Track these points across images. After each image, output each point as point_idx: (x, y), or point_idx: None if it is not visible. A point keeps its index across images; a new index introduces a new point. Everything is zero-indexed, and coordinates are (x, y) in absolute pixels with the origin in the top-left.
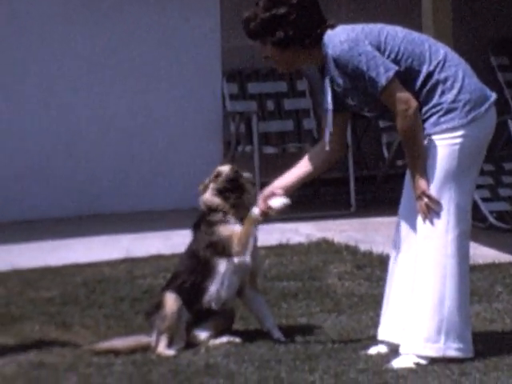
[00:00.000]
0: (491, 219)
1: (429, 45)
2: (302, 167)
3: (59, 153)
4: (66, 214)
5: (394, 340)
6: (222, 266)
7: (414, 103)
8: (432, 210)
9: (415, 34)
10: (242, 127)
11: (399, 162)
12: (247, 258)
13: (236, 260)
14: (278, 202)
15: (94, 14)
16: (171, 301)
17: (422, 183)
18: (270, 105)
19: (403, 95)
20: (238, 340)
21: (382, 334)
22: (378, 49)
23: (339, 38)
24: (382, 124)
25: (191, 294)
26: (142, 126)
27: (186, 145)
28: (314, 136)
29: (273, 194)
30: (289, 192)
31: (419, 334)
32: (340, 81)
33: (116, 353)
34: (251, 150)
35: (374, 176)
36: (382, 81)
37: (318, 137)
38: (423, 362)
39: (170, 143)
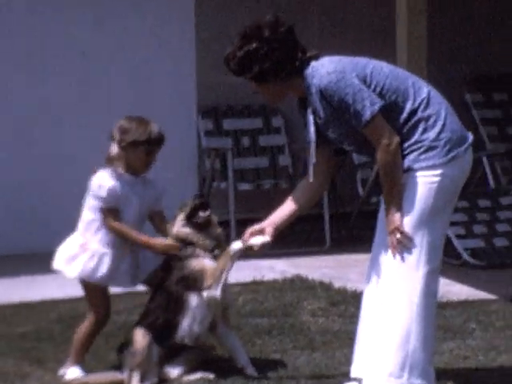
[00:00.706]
0: (465, 256)
1: (412, 82)
2: (291, 203)
3: (30, 187)
4: (41, 250)
5: (365, 376)
6: (194, 300)
7: (396, 138)
8: (404, 246)
9: (399, 70)
10: (218, 163)
11: (374, 199)
12: (218, 293)
13: (205, 294)
14: (258, 240)
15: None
16: (141, 337)
17: (395, 218)
18: (246, 141)
19: (386, 130)
20: (211, 376)
21: (354, 371)
22: (364, 82)
23: (326, 69)
24: (356, 161)
25: (164, 331)
26: None
27: (162, 180)
28: (289, 172)
29: (261, 231)
30: (279, 229)
31: (383, 369)
32: (322, 113)
33: None
34: (226, 186)
35: (348, 213)
36: (367, 115)
37: (294, 173)
38: None
39: None
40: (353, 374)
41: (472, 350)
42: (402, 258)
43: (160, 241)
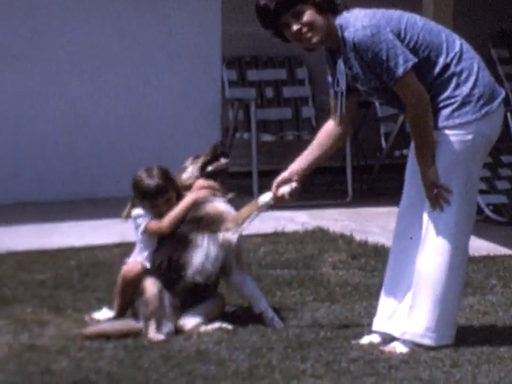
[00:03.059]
0: (487, 211)
1: (446, 36)
2: (314, 150)
3: (54, 136)
4: (61, 198)
5: (389, 330)
6: (205, 240)
7: (425, 98)
8: (442, 199)
9: (432, 24)
10: (241, 114)
11: (397, 153)
12: (235, 237)
13: (222, 236)
14: (286, 189)
15: (92, 2)
16: (150, 285)
17: (431, 174)
18: (269, 92)
19: (416, 89)
20: (229, 327)
21: (376, 325)
22: (398, 36)
23: (361, 22)
24: (380, 113)
25: (172, 272)
26: (140, 112)
27: (185, 130)
28: (312, 124)
29: (288, 180)
30: (303, 176)
31: (420, 324)
32: (354, 65)
33: (106, 337)
34: (249, 137)
35: (371, 166)
36: (399, 72)
37: (317, 125)
38: (408, 349)
39: (168, 129)
40: (375, 327)
41: (492, 306)
42: (440, 213)
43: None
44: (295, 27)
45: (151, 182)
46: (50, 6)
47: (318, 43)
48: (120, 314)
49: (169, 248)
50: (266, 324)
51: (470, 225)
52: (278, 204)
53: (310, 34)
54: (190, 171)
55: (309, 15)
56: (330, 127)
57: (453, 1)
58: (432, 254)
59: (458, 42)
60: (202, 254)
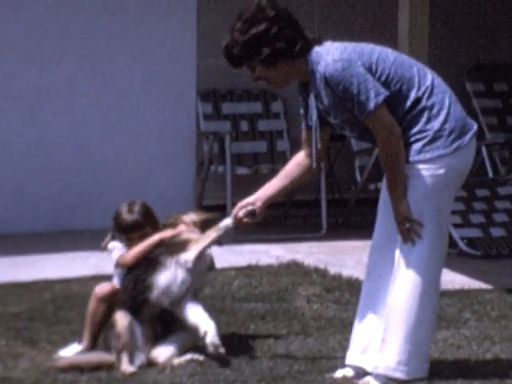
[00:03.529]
0: (462, 245)
1: (417, 69)
2: (282, 179)
3: (32, 167)
4: (37, 230)
5: (362, 364)
6: (173, 263)
7: (396, 130)
8: (414, 234)
9: (404, 58)
10: (216, 147)
11: (372, 186)
12: (191, 257)
13: (181, 256)
14: (243, 210)
15: (69, 28)
16: (121, 318)
17: (403, 209)
18: (244, 125)
19: (387, 122)
20: (201, 358)
21: (350, 358)
22: (370, 70)
23: (332, 56)
24: (355, 147)
25: (138, 294)
26: (115, 143)
27: (160, 163)
28: (287, 157)
29: (251, 204)
30: (267, 204)
31: (393, 357)
32: (325, 99)
33: (79, 369)
34: (224, 170)
35: (345, 199)
36: (370, 106)
37: (292, 158)
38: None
39: (143, 161)
40: (348, 361)
41: (466, 340)
42: (411, 246)
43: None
44: (254, 77)
45: (129, 216)
46: (23, 42)
47: (281, 87)
48: (90, 344)
49: (138, 270)
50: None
51: (442, 258)
52: (238, 228)
53: (268, 83)
54: (191, 216)
55: (258, 71)
56: (299, 158)
57: (427, 34)
58: (403, 287)
59: (429, 76)
60: (168, 276)
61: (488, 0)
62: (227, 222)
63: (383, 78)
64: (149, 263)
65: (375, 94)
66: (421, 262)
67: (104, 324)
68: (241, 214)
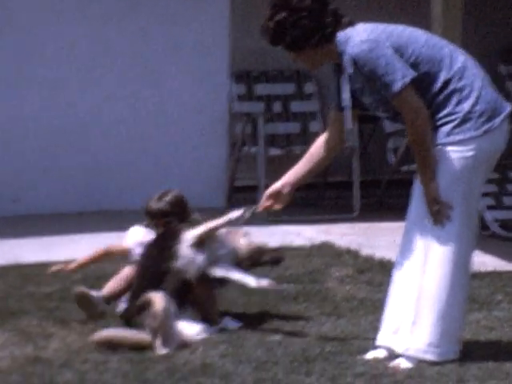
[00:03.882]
0: (494, 227)
1: (449, 51)
2: (306, 163)
3: (63, 149)
4: (69, 210)
5: (393, 346)
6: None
7: (423, 113)
8: (443, 216)
9: (436, 39)
10: (249, 128)
11: (404, 168)
12: (190, 238)
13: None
14: (235, 213)
15: (103, 14)
16: (159, 299)
17: (431, 189)
18: (277, 107)
19: (414, 104)
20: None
21: (381, 339)
22: (399, 51)
23: (360, 37)
24: (388, 129)
25: (161, 262)
26: (149, 125)
27: (193, 144)
28: None
29: (279, 191)
30: (294, 188)
31: (423, 339)
32: (355, 78)
33: (114, 345)
34: (257, 151)
35: (378, 181)
36: (397, 86)
37: None
38: (412, 364)
39: (177, 142)
40: (379, 342)
41: (498, 321)
42: (442, 228)
43: None
44: (290, 58)
45: (155, 204)
46: (45, 27)
47: (316, 68)
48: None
49: (163, 241)
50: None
51: (472, 240)
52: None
53: (304, 64)
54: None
55: (291, 55)
56: (323, 140)
57: (461, 17)
58: (434, 268)
59: (461, 58)
60: (190, 249)
61: None
62: (236, 213)
63: (412, 59)
64: (173, 238)
65: (402, 76)
66: (450, 244)
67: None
68: (267, 203)
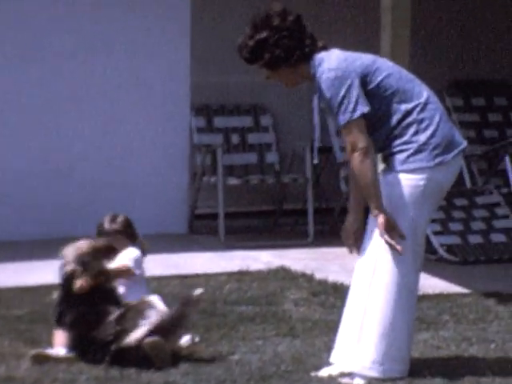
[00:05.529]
0: (441, 252)
1: (413, 85)
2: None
3: (31, 178)
4: (38, 237)
5: (344, 363)
6: None
7: (360, 149)
8: (389, 245)
9: (404, 72)
10: (208, 159)
11: None
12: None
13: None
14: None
15: (64, 49)
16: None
17: (379, 220)
18: (235, 138)
19: (355, 138)
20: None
21: (334, 357)
22: (365, 78)
23: (329, 64)
24: (339, 158)
25: None
26: (110, 156)
27: (154, 175)
28: (275, 169)
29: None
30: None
31: (367, 356)
32: (321, 101)
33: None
34: (216, 180)
35: (331, 209)
36: (344, 118)
37: (280, 170)
38: (364, 381)
39: (138, 173)
40: (332, 360)
41: (445, 341)
42: (389, 251)
43: None
44: (265, 75)
45: (109, 225)
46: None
47: (292, 86)
48: None
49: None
50: None
51: (417, 264)
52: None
53: (279, 81)
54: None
55: (266, 72)
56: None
57: (408, 50)
58: (378, 289)
59: (425, 93)
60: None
61: (467, 19)
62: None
63: (376, 89)
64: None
65: (353, 109)
66: (396, 267)
67: None
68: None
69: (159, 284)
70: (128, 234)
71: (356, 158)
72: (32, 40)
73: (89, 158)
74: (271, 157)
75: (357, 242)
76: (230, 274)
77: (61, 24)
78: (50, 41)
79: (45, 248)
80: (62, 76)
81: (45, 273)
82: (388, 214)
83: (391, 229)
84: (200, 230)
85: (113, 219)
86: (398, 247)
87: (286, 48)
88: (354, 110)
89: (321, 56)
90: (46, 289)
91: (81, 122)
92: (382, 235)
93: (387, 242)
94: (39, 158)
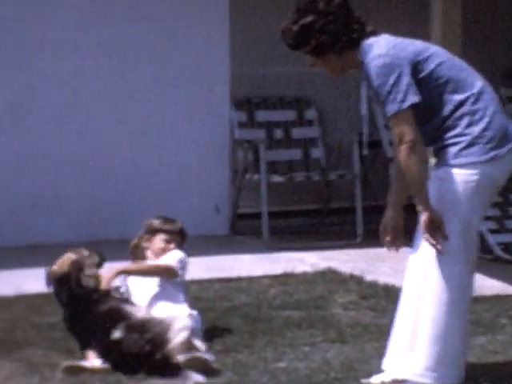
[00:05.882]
0: (497, 251)
1: (468, 74)
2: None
3: (65, 180)
4: (72, 240)
5: (396, 370)
6: None
7: (410, 142)
8: (436, 243)
9: (457, 61)
10: (250, 155)
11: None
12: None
13: None
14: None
15: (100, 41)
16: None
17: (424, 216)
18: (278, 133)
19: (403, 130)
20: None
21: (386, 363)
22: (416, 66)
23: (379, 50)
24: (390, 154)
25: None
26: (150, 154)
27: (195, 172)
28: (321, 165)
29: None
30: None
31: (419, 363)
32: (370, 88)
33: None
34: (258, 178)
35: (381, 206)
36: (392, 108)
37: (326, 166)
38: None
39: (178, 171)
40: (384, 366)
41: (502, 345)
42: (438, 255)
43: None
44: (309, 63)
45: (172, 224)
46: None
47: (337, 75)
48: None
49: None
50: None
51: (470, 264)
52: None
53: (324, 69)
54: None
55: (311, 59)
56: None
57: (461, 41)
58: (430, 293)
59: (479, 83)
60: None
61: None
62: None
63: (428, 78)
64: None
65: (402, 99)
66: (449, 268)
67: None
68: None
69: (200, 288)
70: (182, 236)
71: (402, 151)
72: (68, 35)
73: (128, 158)
74: (316, 152)
75: (395, 240)
76: (275, 277)
77: (99, 22)
78: (87, 37)
79: None
80: (102, 74)
81: None
82: (434, 212)
83: (436, 228)
84: (242, 231)
85: (166, 220)
86: (439, 247)
87: (332, 33)
88: (404, 99)
89: (369, 42)
90: None
91: (121, 121)
92: (423, 233)
93: (428, 241)
94: (79, 159)
